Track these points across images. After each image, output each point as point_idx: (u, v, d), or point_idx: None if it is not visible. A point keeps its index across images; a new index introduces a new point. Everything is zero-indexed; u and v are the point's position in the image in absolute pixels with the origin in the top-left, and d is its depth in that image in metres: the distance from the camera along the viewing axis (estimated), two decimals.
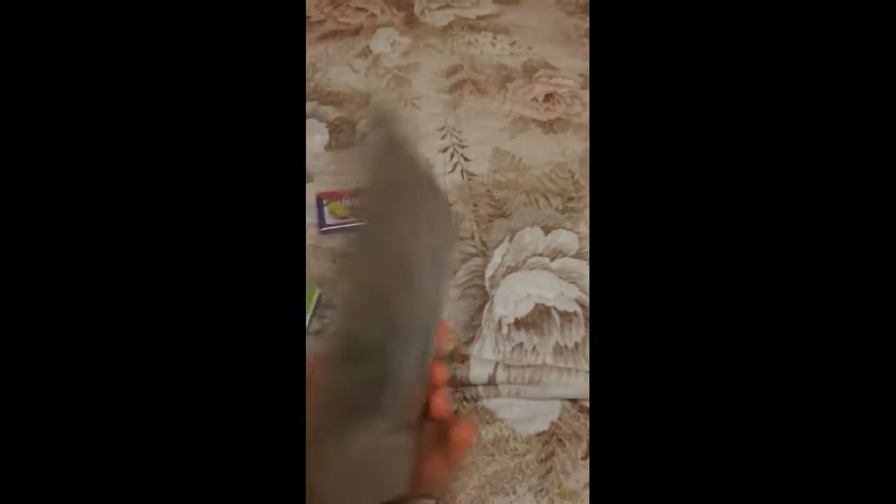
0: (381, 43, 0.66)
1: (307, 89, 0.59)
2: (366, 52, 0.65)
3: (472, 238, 0.44)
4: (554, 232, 0.44)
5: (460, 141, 0.53)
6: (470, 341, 0.36)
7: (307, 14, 0.70)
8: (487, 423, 0.33)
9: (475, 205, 0.47)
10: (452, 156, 0.52)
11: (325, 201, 0.47)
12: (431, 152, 0.52)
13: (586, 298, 0.39)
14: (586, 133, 0.54)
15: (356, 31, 0.68)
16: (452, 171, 0.50)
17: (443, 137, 0.53)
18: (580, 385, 0.34)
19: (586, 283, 0.40)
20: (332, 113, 0.56)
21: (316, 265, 0.42)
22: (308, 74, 0.61)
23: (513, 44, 0.67)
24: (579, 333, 0.37)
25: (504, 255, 0.42)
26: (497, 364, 0.34)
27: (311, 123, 0.55)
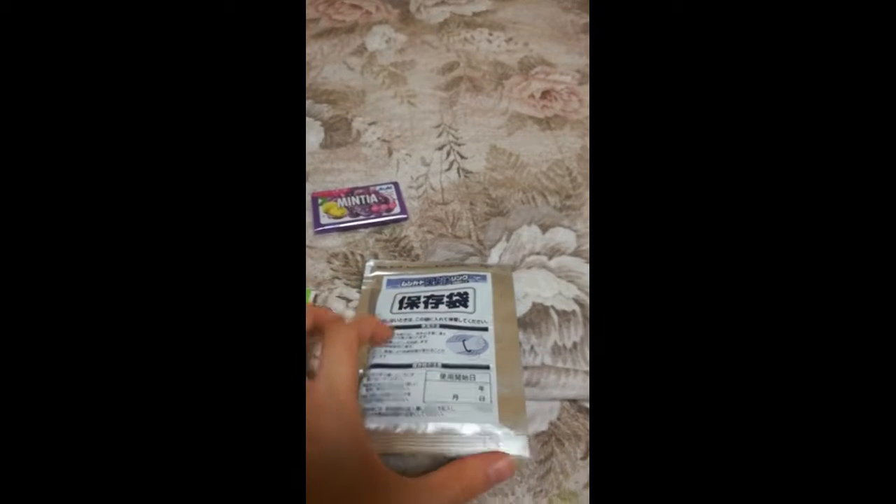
0: (376, 40, 0.65)
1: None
2: (361, 49, 0.64)
3: (470, 237, 0.43)
4: (552, 230, 0.44)
5: (457, 139, 0.53)
6: None
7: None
8: None
9: (472, 203, 0.46)
10: (449, 154, 0.51)
11: (319, 200, 0.46)
12: (428, 151, 0.51)
13: (584, 297, 0.39)
14: (583, 130, 0.53)
15: (351, 29, 0.67)
16: (449, 168, 0.50)
17: (439, 135, 0.53)
18: (579, 385, 0.34)
19: (584, 281, 0.40)
20: (327, 111, 0.56)
21: (311, 265, 0.42)
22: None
23: (509, 40, 0.66)
24: (577, 333, 0.37)
25: (501, 254, 0.42)
26: None
27: (306, 122, 0.54)
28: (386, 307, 0.36)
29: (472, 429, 0.30)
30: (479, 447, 0.29)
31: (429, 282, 0.38)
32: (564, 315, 0.37)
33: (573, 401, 0.33)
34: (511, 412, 0.30)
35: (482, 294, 0.36)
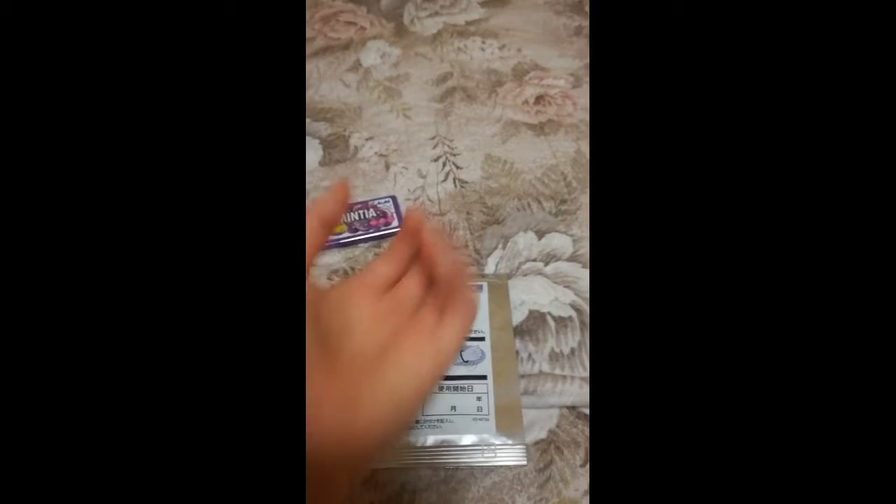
0: (371, 56, 0.66)
1: None
2: (356, 65, 0.65)
3: (466, 246, 0.44)
4: (547, 236, 0.44)
5: (452, 149, 0.53)
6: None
7: None
8: None
9: (468, 213, 0.47)
10: (444, 164, 0.52)
11: None
12: (424, 162, 0.52)
13: (581, 302, 0.39)
14: (578, 133, 0.54)
15: (346, 46, 0.68)
16: (445, 179, 0.50)
17: (434, 146, 0.54)
18: (576, 392, 0.34)
19: (580, 286, 0.40)
20: (325, 129, 0.57)
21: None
22: None
23: (502, 47, 0.66)
24: (575, 338, 0.37)
25: (498, 262, 0.42)
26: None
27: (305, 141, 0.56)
28: None
29: (471, 439, 0.30)
30: (478, 458, 0.30)
31: None
32: (561, 321, 0.38)
33: (572, 407, 0.34)
34: (508, 421, 0.31)
35: (479, 304, 0.37)
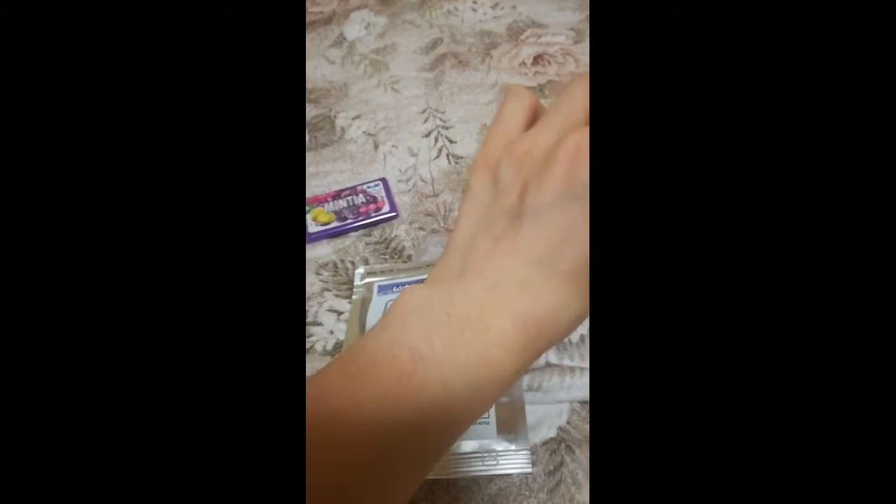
0: (354, 28, 0.62)
1: None
2: (340, 40, 0.61)
3: None
4: None
5: (444, 122, 0.49)
6: None
7: None
8: None
9: (464, 191, 0.43)
10: (437, 139, 0.48)
11: (306, 208, 0.44)
12: (415, 139, 0.48)
13: None
14: None
15: (329, 20, 0.64)
16: (438, 156, 0.46)
17: (425, 121, 0.50)
18: (586, 385, 0.30)
19: None
20: (310, 111, 0.53)
21: None
22: None
23: (495, 6, 0.61)
24: (584, 323, 0.33)
25: None
26: None
27: None
28: (378, 317, 0.34)
29: (470, 446, 0.27)
30: (479, 466, 0.27)
31: None
32: None
33: (584, 402, 0.30)
34: (510, 423, 0.28)
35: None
